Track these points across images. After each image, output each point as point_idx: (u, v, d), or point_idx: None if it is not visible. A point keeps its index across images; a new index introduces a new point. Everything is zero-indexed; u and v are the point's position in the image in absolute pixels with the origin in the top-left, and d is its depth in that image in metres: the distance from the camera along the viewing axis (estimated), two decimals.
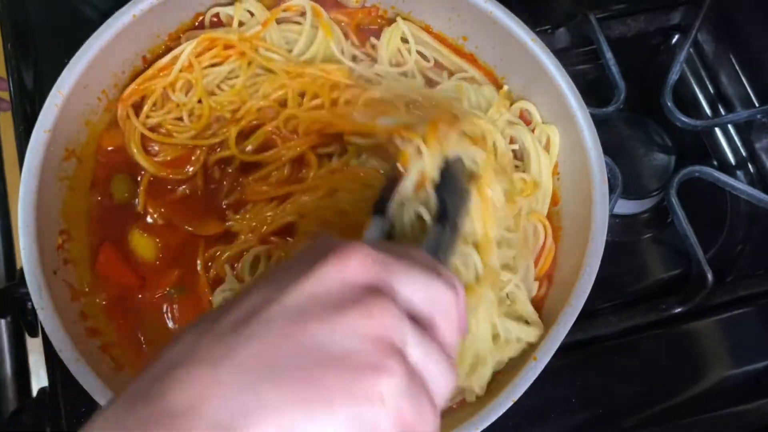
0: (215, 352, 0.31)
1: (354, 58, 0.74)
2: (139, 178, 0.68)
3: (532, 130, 0.71)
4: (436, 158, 0.49)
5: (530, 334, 0.60)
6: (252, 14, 0.73)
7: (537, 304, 0.65)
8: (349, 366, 0.30)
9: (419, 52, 0.75)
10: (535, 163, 0.69)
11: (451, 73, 0.75)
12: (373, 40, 0.75)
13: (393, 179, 0.49)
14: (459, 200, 0.46)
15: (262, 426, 0.28)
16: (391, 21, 0.76)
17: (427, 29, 0.76)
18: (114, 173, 0.69)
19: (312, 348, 0.30)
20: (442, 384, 0.34)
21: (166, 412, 0.29)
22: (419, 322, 0.34)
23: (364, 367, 0.30)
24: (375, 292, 0.33)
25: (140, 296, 0.66)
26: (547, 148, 0.70)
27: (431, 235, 0.44)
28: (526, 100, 0.72)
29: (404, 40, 0.75)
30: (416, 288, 0.35)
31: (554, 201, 0.71)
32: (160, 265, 0.66)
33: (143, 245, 0.67)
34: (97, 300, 0.65)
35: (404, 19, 0.75)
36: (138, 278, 0.66)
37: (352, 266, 0.33)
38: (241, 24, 0.73)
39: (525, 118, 0.72)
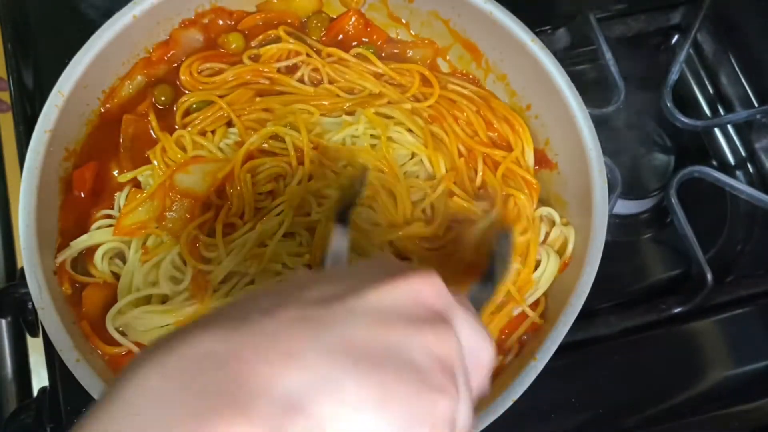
0: (309, 322, 0.32)
1: None
2: None
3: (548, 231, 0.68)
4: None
5: None
6: None
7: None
8: (417, 379, 0.32)
9: None
10: (542, 266, 0.66)
11: None
12: None
13: (352, 191, 0.53)
14: (505, 270, 0.50)
15: (327, 405, 0.29)
16: None
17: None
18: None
19: (389, 351, 0.32)
20: (466, 427, 0.35)
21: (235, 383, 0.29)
22: None
23: (430, 385, 0.32)
24: (444, 321, 0.35)
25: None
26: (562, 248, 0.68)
27: (475, 290, 0.47)
28: (550, 207, 0.69)
29: None
30: (470, 335, 0.37)
31: None
32: None
33: None
34: None
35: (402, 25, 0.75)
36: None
37: (428, 290, 0.35)
38: None
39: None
